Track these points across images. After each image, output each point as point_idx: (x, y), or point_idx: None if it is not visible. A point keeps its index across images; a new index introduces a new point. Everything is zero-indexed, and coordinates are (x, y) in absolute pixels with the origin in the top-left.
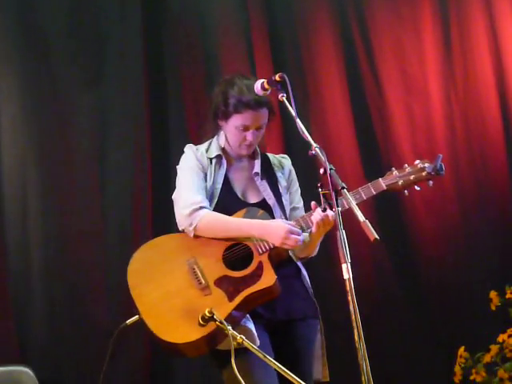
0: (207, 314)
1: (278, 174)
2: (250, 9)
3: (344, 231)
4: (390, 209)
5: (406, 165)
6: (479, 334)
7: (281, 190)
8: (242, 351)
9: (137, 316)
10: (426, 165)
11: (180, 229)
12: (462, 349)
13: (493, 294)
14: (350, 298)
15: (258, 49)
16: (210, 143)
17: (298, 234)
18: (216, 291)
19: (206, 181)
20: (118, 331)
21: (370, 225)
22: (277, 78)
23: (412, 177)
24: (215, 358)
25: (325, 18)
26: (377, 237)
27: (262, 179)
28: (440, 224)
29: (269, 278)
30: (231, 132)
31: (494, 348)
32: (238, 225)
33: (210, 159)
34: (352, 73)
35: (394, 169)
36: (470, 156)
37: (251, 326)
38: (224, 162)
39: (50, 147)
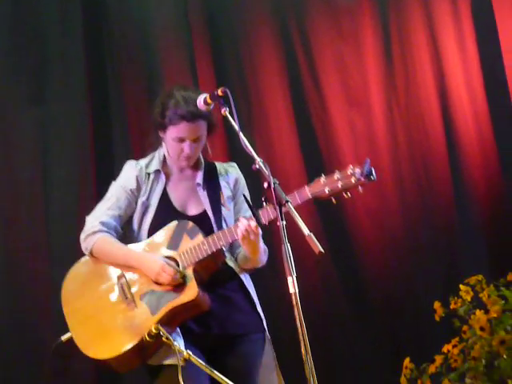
0: (153, 331)
1: (223, 184)
2: (191, 23)
3: (289, 244)
4: (333, 221)
5: (337, 171)
6: (424, 345)
7: (222, 201)
8: (173, 367)
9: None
10: (357, 170)
11: None
12: (407, 360)
13: (437, 305)
14: (296, 312)
15: (200, 62)
16: (153, 157)
17: (171, 274)
18: (141, 305)
19: (136, 198)
20: (53, 348)
21: (314, 238)
22: (219, 92)
23: (340, 184)
24: (148, 374)
25: (267, 31)
26: (321, 250)
27: (204, 190)
28: (384, 235)
29: (191, 292)
30: (169, 144)
31: (439, 358)
32: (122, 254)
33: (148, 174)
34: (294, 85)
35: (322, 175)
36: (412, 166)
37: (180, 341)
38: (162, 176)
39: None
